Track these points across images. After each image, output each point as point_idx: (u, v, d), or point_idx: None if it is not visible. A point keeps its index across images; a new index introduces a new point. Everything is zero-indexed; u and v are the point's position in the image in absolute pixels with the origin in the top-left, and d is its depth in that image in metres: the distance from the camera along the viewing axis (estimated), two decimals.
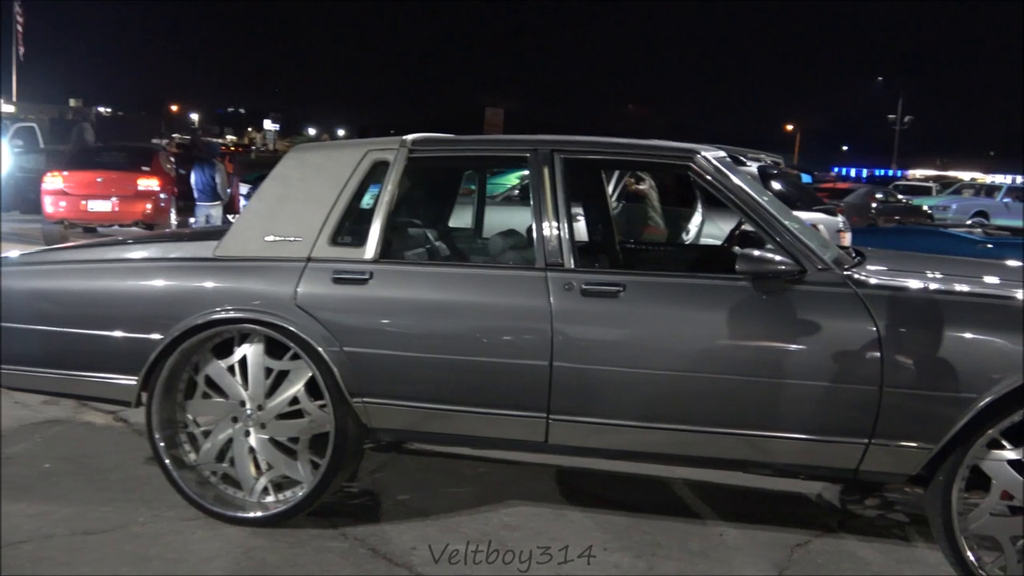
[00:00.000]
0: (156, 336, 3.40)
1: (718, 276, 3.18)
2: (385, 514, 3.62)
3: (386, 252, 3.40)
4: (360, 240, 3.40)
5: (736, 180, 3.25)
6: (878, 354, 2.94)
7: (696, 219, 7.46)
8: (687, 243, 7.00)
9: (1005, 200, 24.60)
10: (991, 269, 3.69)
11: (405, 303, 3.29)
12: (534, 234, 3.31)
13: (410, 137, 3.52)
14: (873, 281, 3.07)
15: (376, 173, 3.51)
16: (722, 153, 3.48)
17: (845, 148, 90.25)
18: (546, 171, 3.34)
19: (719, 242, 6.15)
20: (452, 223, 4.70)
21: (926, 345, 2.92)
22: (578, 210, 4.66)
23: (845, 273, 3.09)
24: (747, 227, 4.13)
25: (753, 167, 7.37)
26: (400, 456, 4.27)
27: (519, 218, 4.66)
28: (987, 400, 2.85)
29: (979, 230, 10.69)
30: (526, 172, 3.46)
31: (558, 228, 3.27)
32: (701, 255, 4.61)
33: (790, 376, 3.01)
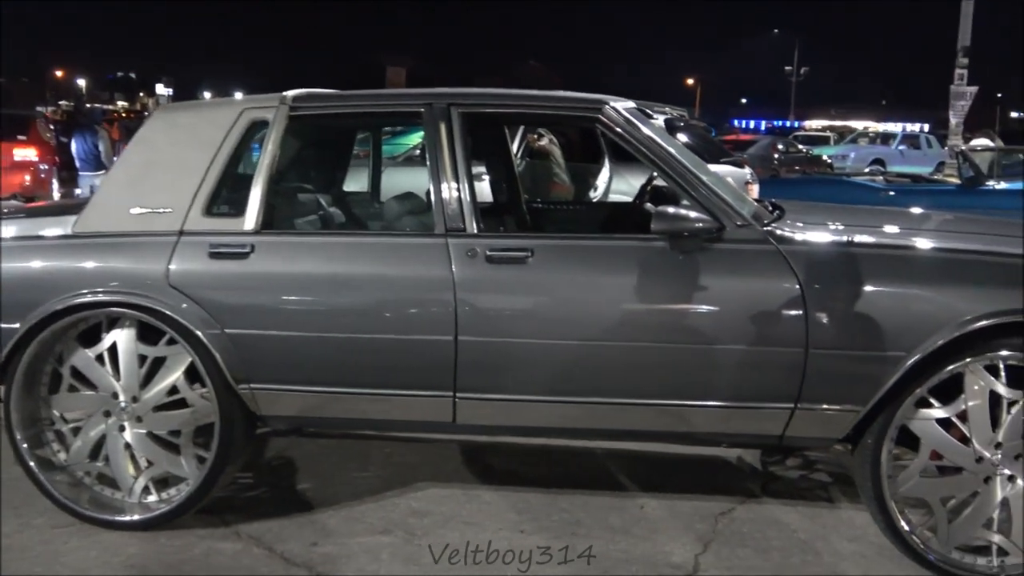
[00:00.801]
0: (12, 325, 3.02)
1: (632, 237, 2.96)
2: (283, 507, 3.33)
3: (269, 222, 3.08)
4: (239, 209, 3.06)
5: (648, 132, 3.02)
6: (802, 314, 2.76)
7: (603, 175, 7.27)
8: (596, 201, 6.79)
9: (900, 147, 25.31)
10: (913, 220, 3.57)
11: (292, 278, 2.98)
12: (432, 197, 3.03)
13: (291, 93, 3.18)
14: (795, 236, 2.89)
15: (255, 134, 3.17)
16: (632, 104, 3.25)
17: (744, 101, 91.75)
18: (443, 127, 3.06)
19: (629, 199, 5.96)
20: (348, 187, 4.37)
21: (852, 303, 2.75)
22: (480, 169, 4.39)
23: (765, 229, 2.90)
24: (659, 182, 3.92)
25: (660, 120, 7.18)
26: (300, 440, 3.96)
27: (423, 180, 4.37)
28: (916, 358, 2.70)
29: (880, 178, 10.82)
30: None
31: (458, 190, 3.00)
32: (612, 213, 4.38)
33: (711, 341, 2.82)
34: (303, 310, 2.96)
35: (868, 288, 2.75)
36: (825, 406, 2.82)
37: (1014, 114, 62.45)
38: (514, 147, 6.63)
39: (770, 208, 3.31)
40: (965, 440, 2.80)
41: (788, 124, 53.70)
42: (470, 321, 2.88)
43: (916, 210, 3.93)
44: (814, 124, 50.67)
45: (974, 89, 15.01)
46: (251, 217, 3.02)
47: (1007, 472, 2.79)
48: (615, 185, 7.16)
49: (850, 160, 23.97)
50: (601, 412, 2.93)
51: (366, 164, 4.78)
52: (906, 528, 2.87)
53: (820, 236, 2.94)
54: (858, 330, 2.75)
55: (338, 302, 2.96)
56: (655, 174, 3.52)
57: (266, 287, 2.97)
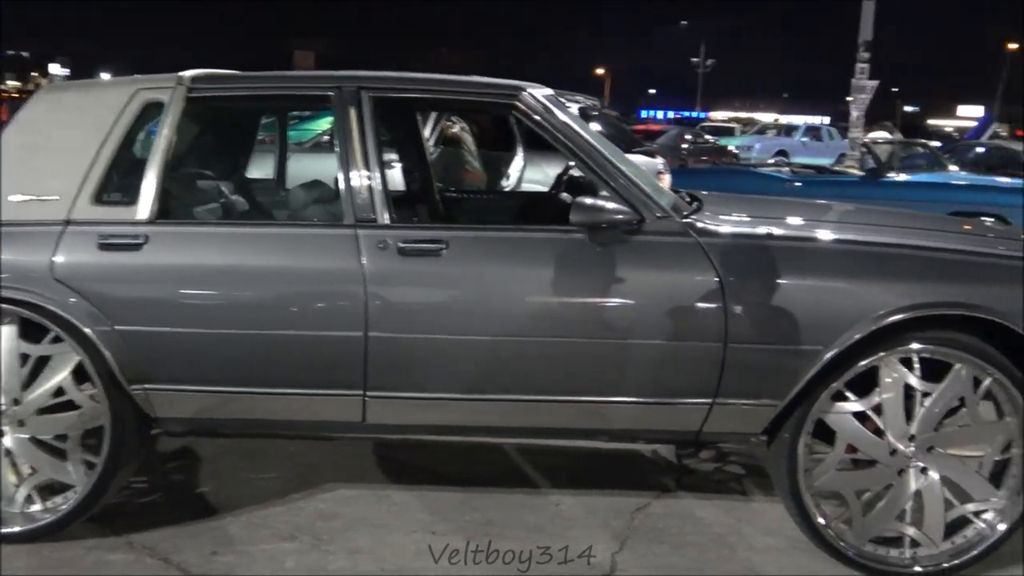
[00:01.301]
0: None
1: (550, 228, 2.87)
2: (180, 513, 3.14)
3: (165, 211, 2.88)
4: (132, 197, 2.86)
5: (567, 120, 2.93)
6: (722, 308, 2.72)
7: (516, 164, 7.17)
8: (511, 191, 6.69)
9: (803, 139, 25.99)
10: (829, 213, 3.57)
11: (189, 270, 2.79)
12: (341, 185, 2.88)
13: (188, 73, 2.98)
14: (715, 229, 2.84)
15: (150, 116, 2.97)
16: (549, 91, 3.15)
17: (652, 91, 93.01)
18: (352, 112, 2.90)
19: (543, 188, 5.88)
20: (252, 174, 4.17)
21: (771, 296, 2.72)
22: (391, 156, 4.24)
23: (685, 221, 2.84)
24: (576, 172, 3.84)
25: (574, 109, 7.13)
26: (199, 440, 3.76)
27: (331, 167, 4.19)
28: (833, 352, 2.69)
29: (787, 169, 11.00)
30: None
31: (369, 178, 2.86)
32: (527, 204, 4.28)
33: (630, 336, 2.76)
34: (201, 305, 2.78)
35: (787, 282, 2.72)
36: (743, 401, 2.78)
37: (908, 108, 64.80)
38: (426, 134, 6.49)
39: (687, 200, 3.27)
40: (880, 433, 2.81)
41: (694, 115, 54.60)
42: (381, 316, 2.75)
43: (832, 203, 3.94)
44: (720, 115, 51.66)
45: (875, 83, 15.40)
46: (145, 206, 2.82)
47: (920, 464, 2.81)
48: (528, 174, 7.07)
49: (755, 151, 24.48)
50: (518, 409, 2.84)
51: (271, 150, 4.58)
52: (821, 521, 2.85)
53: (739, 229, 2.90)
54: (777, 324, 2.72)
55: (239, 296, 2.79)
56: (572, 163, 3.45)
57: (161, 280, 2.78)
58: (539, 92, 3.03)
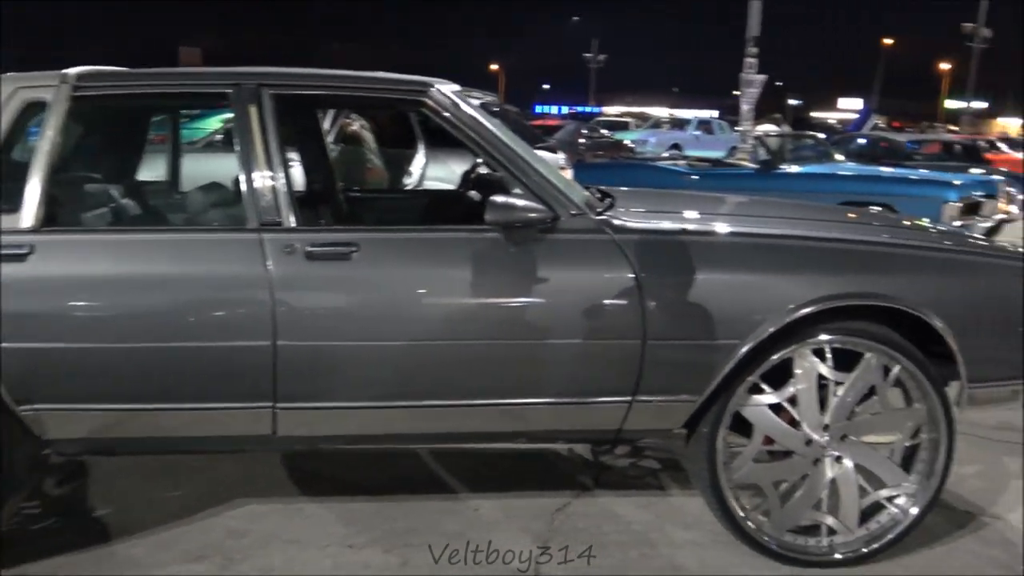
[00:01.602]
0: None
1: (465, 228, 2.80)
2: (79, 539, 2.95)
3: (51, 218, 2.69)
4: (14, 204, 2.66)
5: (477, 116, 2.86)
6: (639, 305, 2.70)
7: (418, 161, 7.06)
8: (417, 189, 6.58)
9: (696, 133, 26.58)
10: (741, 207, 3.60)
11: (80, 281, 2.62)
12: (243, 187, 2.75)
13: (74, 71, 2.80)
14: (630, 225, 2.81)
15: (31, 117, 2.77)
16: (457, 86, 3.08)
17: (546, 87, 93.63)
18: (253, 110, 2.77)
19: (447, 185, 5.80)
20: (143, 176, 3.95)
21: (688, 292, 2.71)
22: (292, 156, 4.08)
23: (600, 218, 2.81)
24: (483, 169, 3.78)
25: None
26: (97, 459, 3.55)
27: (227, 168, 4.01)
28: (749, 345, 2.70)
29: (683, 162, 11.18)
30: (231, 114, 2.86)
31: (272, 179, 2.73)
32: (435, 202, 4.19)
33: (547, 336, 2.71)
34: (94, 318, 2.61)
35: (703, 277, 2.72)
36: (662, 397, 2.77)
37: (792, 101, 66.92)
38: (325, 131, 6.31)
39: (598, 195, 3.24)
40: (795, 424, 2.84)
41: (588, 110, 55.19)
42: (290, 324, 2.63)
43: (739, 197, 3.98)
44: (613, 110, 52.31)
45: (763, 77, 15.79)
46: (29, 213, 2.63)
47: (835, 453, 2.85)
48: (431, 171, 6.97)
49: (650, 145, 24.91)
50: (436, 416, 2.76)
51: (162, 150, 4.37)
52: (741, 514, 2.87)
53: (655, 225, 2.88)
54: (694, 319, 2.71)
55: (136, 307, 2.62)
56: (479, 160, 3.38)
57: (49, 292, 2.60)
58: (447, 88, 2.95)
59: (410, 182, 6.89)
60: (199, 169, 4.42)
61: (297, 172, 4.01)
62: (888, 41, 62.40)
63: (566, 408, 2.78)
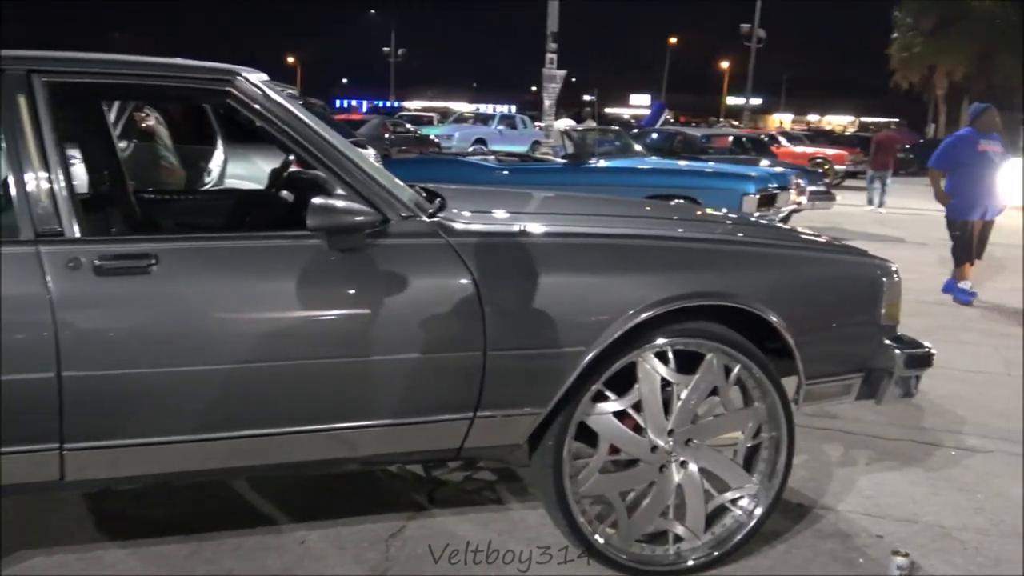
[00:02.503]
0: None
1: (282, 235, 2.49)
2: None
3: None
4: None
5: (290, 108, 2.56)
6: (479, 313, 2.49)
7: (217, 158, 6.57)
8: (219, 189, 6.08)
9: (499, 128, 26.80)
10: (574, 204, 3.47)
11: None
12: (13, 191, 2.33)
13: None
14: (465, 228, 2.60)
15: None
16: (264, 76, 2.76)
17: (344, 80, 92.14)
18: (22, 101, 2.34)
19: (251, 184, 5.39)
20: None
21: (531, 298, 2.54)
22: (72, 153, 3.59)
23: (433, 220, 2.59)
24: (296, 168, 3.47)
25: None
26: None
27: None
28: (594, 352, 2.56)
29: (492, 157, 11.13)
30: None
31: (50, 181, 2.32)
32: (241, 204, 3.80)
33: (380, 351, 2.46)
34: None
35: (545, 281, 2.55)
36: (506, 411, 2.59)
37: (587, 96, 69.08)
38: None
39: (425, 195, 3.01)
40: (640, 430, 2.73)
41: (389, 104, 54.76)
42: (77, 351, 2.24)
43: (569, 194, 3.87)
44: (413, 104, 52.11)
45: (563, 72, 16.07)
46: None
47: (680, 458, 2.77)
48: (231, 168, 6.50)
49: (455, 140, 24.89)
50: (255, 447, 2.45)
51: None
52: (588, 528, 2.74)
53: (492, 227, 2.69)
54: (538, 327, 2.54)
55: None
56: (291, 157, 3.08)
57: None
58: (255, 77, 2.63)
59: (209, 181, 6.39)
60: None
61: (80, 172, 3.55)
62: (673, 40, 65.63)
63: (402, 429, 2.54)
